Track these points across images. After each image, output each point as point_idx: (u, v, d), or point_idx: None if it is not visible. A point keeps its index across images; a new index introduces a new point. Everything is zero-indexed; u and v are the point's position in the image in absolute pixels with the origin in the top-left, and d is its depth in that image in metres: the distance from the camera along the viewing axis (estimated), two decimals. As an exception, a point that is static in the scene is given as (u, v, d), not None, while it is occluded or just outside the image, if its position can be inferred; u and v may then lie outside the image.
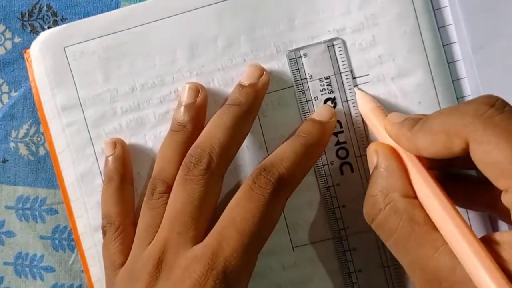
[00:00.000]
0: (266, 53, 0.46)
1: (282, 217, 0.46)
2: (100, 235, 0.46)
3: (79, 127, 0.47)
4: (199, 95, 0.45)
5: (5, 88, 0.52)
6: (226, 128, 0.42)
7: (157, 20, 0.46)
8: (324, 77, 0.45)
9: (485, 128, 0.31)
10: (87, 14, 0.50)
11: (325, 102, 0.45)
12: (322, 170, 0.46)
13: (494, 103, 0.32)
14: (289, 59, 0.46)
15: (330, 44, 0.45)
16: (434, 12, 0.45)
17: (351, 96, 0.45)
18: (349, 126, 0.46)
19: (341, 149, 0.46)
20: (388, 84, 0.45)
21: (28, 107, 0.51)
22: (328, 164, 0.46)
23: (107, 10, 0.49)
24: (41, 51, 0.47)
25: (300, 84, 0.46)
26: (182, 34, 0.46)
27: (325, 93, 0.46)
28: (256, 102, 0.44)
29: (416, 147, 0.36)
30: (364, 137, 0.46)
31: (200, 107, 0.45)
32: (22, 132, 0.51)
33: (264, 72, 0.44)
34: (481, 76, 0.45)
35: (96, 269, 0.48)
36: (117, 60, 0.47)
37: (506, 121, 0.30)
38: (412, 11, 0.44)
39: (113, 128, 0.47)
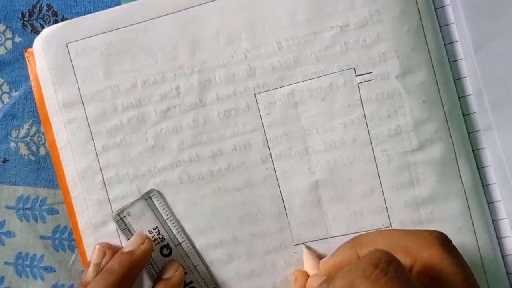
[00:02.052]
0: (268, 50, 0.46)
1: (284, 215, 0.47)
2: (101, 232, 0.47)
3: (80, 124, 0.47)
4: (106, 256, 0.46)
5: (5, 87, 0.52)
6: None
7: (158, 17, 0.46)
8: (152, 228, 0.47)
9: None
10: (87, 13, 0.49)
11: (161, 250, 0.47)
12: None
13: (378, 264, 0.34)
14: (116, 221, 0.47)
15: (147, 197, 0.47)
16: (435, 11, 0.46)
17: (182, 238, 0.47)
18: (189, 266, 0.47)
19: None
20: (392, 82, 0.45)
21: (29, 107, 0.51)
22: None
23: (108, 10, 0.49)
24: (43, 47, 0.47)
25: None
26: (183, 31, 0.46)
27: (158, 243, 0.47)
28: (132, 270, 0.45)
29: None
30: (206, 273, 0.47)
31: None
32: (22, 132, 0.51)
33: (146, 241, 0.46)
34: (482, 75, 0.45)
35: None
36: (118, 56, 0.47)
37: (390, 284, 0.33)
38: (416, 9, 0.45)
39: (114, 125, 0.47)
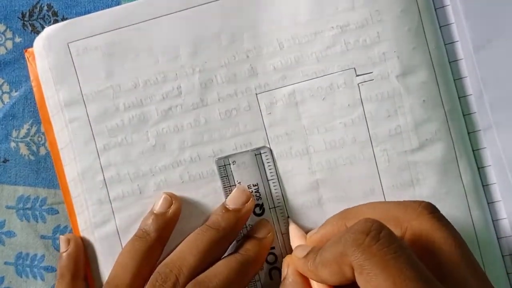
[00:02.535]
0: (269, 50, 0.46)
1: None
2: (101, 231, 0.47)
3: (81, 123, 0.47)
4: (171, 207, 0.45)
5: (6, 88, 0.52)
6: (198, 252, 0.43)
7: (160, 17, 0.46)
8: (252, 184, 0.47)
9: (365, 258, 0.32)
10: (88, 13, 0.49)
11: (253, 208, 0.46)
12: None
13: (369, 232, 0.33)
14: (218, 166, 0.46)
15: (257, 152, 0.46)
16: (435, 10, 0.46)
17: (279, 203, 0.47)
18: (276, 232, 0.47)
19: (270, 254, 0.47)
20: (393, 82, 0.45)
21: (29, 107, 0.51)
22: None
23: (108, 10, 0.49)
24: (44, 47, 0.47)
25: (230, 190, 0.46)
26: (185, 31, 0.46)
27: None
28: (236, 228, 0.45)
29: (321, 279, 0.37)
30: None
31: (170, 219, 0.45)
32: (23, 132, 0.51)
33: (251, 199, 0.45)
34: (482, 75, 0.45)
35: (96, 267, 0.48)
36: (120, 56, 0.47)
37: (382, 250, 0.32)
38: (416, 9, 0.45)
39: (115, 124, 0.47)
